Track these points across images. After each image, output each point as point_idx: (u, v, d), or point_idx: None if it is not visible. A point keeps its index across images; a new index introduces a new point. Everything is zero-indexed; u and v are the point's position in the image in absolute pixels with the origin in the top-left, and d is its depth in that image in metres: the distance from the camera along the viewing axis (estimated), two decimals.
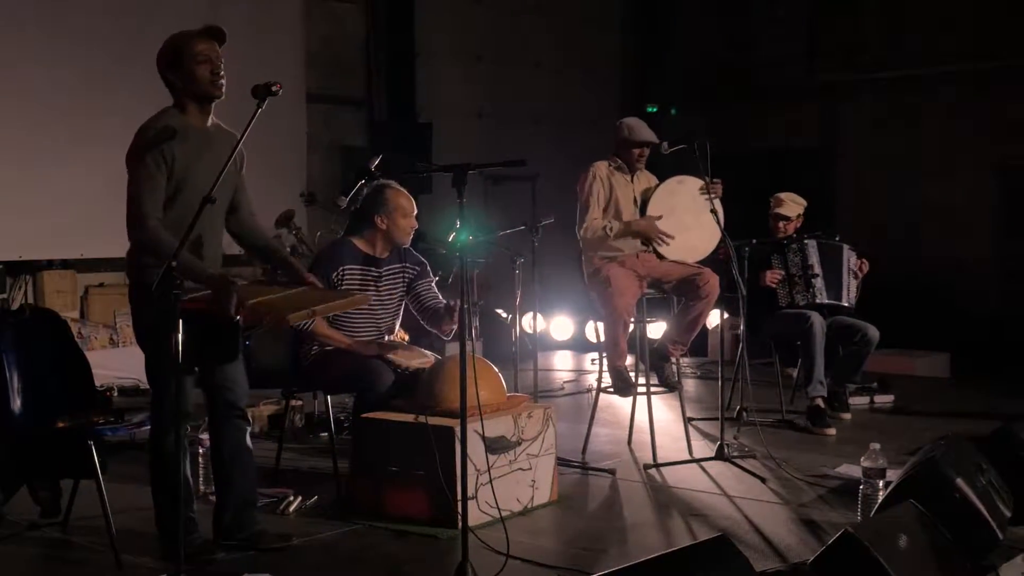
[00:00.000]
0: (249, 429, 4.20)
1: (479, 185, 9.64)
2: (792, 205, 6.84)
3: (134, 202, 3.81)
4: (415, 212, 5.11)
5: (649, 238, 5.76)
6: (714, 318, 8.28)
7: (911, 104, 10.17)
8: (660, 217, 5.72)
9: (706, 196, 5.52)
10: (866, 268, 6.81)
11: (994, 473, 4.10)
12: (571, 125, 10.39)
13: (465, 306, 3.84)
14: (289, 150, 8.72)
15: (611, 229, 5.68)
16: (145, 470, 4.02)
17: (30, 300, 7.32)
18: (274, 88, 3.61)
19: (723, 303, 6.01)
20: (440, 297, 5.24)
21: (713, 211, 5.47)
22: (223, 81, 3.90)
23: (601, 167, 5.83)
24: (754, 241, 6.27)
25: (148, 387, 4.05)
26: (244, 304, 3.74)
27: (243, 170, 4.15)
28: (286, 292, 4.03)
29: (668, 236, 5.70)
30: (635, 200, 5.84)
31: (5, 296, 7.29)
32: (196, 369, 4.00)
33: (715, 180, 5.55)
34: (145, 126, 3.88)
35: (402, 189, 5.12)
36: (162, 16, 7.46)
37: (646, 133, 5.83)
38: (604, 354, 5.79)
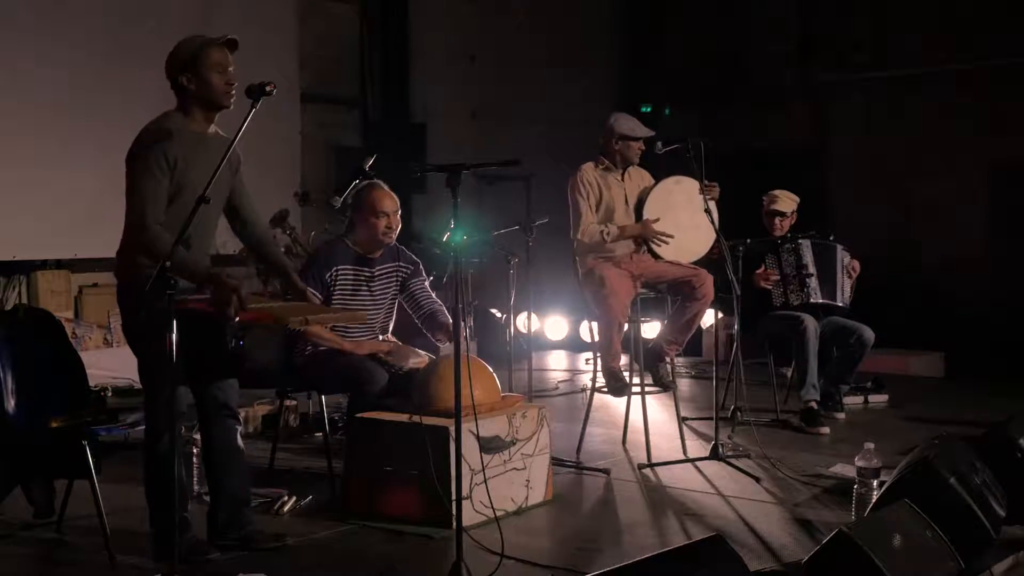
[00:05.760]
0: (240, 429, 4.19)
1: (473, 185, 9.63)
2: (787, 201, 6.86)
3: (136, 205, 3.77)
4: (395, 210, 5.04)
5: (646, 240, 5.75)
6: (708, 318, 8.28)
7: (906, 104, 10.17)
8: (657, 220, 5.72)
9: (703, 197, 5.52)
10: (858, 268, 6.83)
11: (988, 472, 4.10)
12: (565, 125, 10.36)
13: (459, 306, 3.84)
14: (283, 150, 8.71)
15: (608, 234, 5.66)
16: (139, 470, 4.02)
17: (24, 300, 7.30)
18: (268, 88, 3.60)
19: (718, 303, 6.01)
20: (434, 296, 5.23)
21: (707, 211, 5.47)
22: (235, 92, 3.89)
23: (589, 170, 5.81)
24: (748, 241, 6.27)
25: (142, 387, 4.04)
26: (244, 305, 3.73)
27: (239, 172, 4.14)
28: (284, 304, 4.07)
29: (667, 236, 5.69)
30: (627, 199, 5.83)
31: None
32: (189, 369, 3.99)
33: (711, 183, 5.54)
34: (146, 129, 3.86)
35: (381, 187, 5.08)
36: (156, 17, 7.46)
37: (644, 128, 5.82)
38: (598, 354, 5.79)
